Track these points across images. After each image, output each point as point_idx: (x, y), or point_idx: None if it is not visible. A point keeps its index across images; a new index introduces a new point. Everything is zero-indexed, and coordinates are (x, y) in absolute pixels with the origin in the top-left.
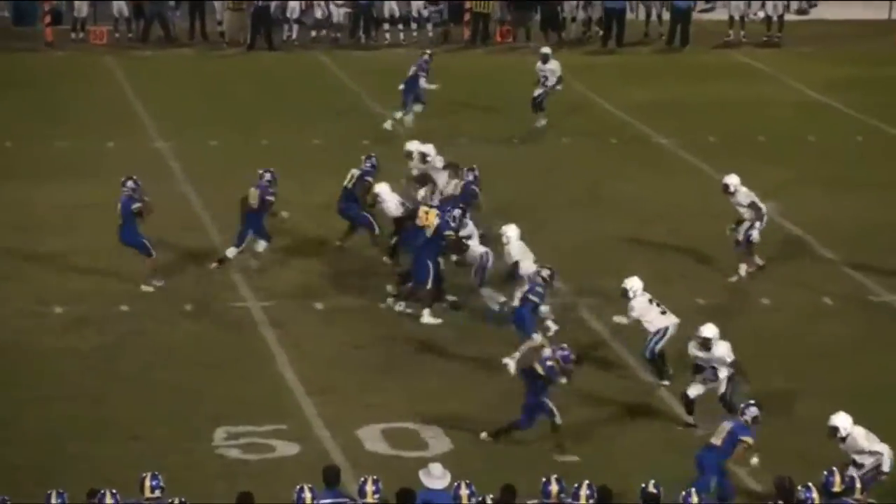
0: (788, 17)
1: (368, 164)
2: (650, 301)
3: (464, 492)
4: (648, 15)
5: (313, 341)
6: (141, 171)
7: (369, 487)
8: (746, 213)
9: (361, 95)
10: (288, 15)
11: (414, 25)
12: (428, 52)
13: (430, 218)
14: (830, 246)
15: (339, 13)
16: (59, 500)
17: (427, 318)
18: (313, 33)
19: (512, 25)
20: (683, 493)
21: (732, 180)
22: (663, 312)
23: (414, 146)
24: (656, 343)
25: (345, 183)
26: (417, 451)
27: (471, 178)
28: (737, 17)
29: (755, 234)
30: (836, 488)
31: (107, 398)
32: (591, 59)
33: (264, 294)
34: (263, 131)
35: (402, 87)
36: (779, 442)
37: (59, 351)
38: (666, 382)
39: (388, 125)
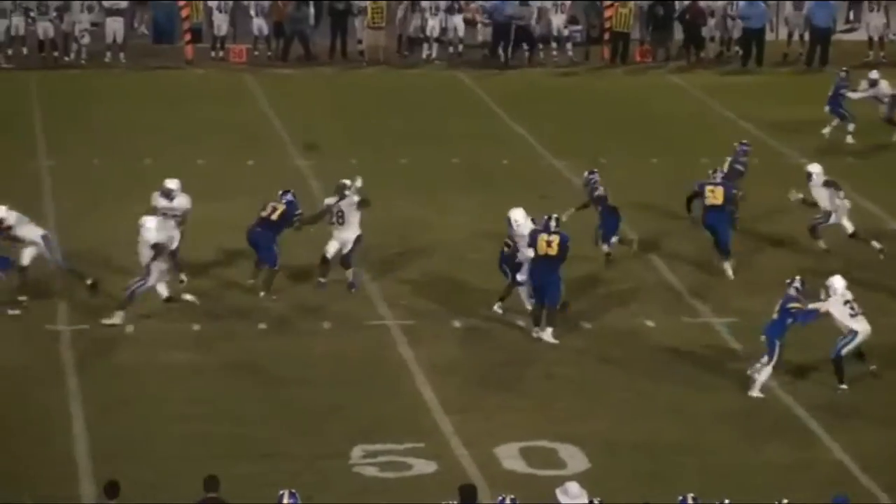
0: None
1: (288, 197)
2: (845, 303)
3: None
4: (790, 35)
5: (450, 359)
6: (278, 188)
7: (286, 499)
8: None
9: (500, 115)
10: (428, 33)
11: (554, 45)
12: (844, 69)
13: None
14: None
15: (482, 32)
16: None
17: (548, 336)
18: (451, 49)
19: (651, 45)
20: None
21: (815, 169)
22: (853, 315)
23: None
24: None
25: (264, 214)
26: (555, 469)
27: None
28: (875, 38)
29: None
30: None
31: (242, 416)
32: (731, 78)
33: (402, 312)
34: (402, 150)
35: (826, 108)
36: None
37: (194, 368)
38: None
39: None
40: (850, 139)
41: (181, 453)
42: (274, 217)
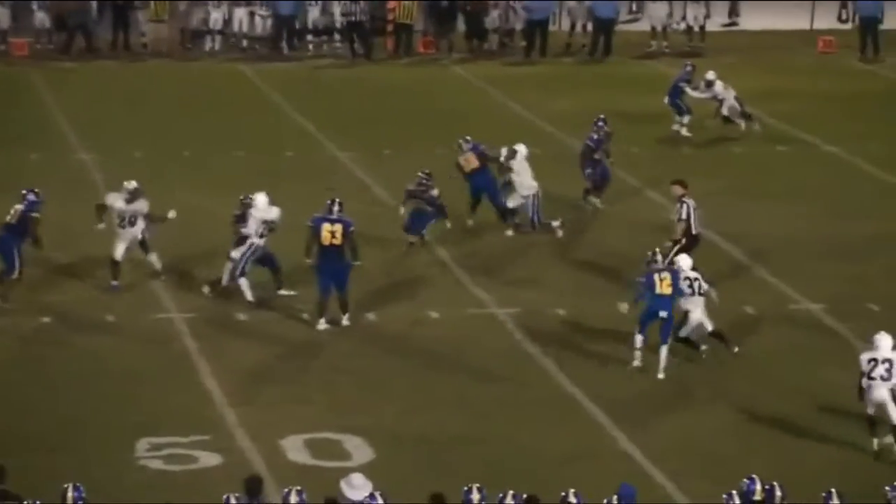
0: (710, 27)
1: (30, 198)
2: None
3: (378, 502)
4: (572, 26)
5: (234, 352)
6: (63, 183)
7: (293, 498)
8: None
9: (284, 108)
10: (211, 26)
11: (337, 36)
12: (689, 62)
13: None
14: (752, 256)
15: (262, 24)
16: None
17: (345, 321)
18: (232, 41)
19: (434, 36)
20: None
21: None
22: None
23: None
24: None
25: (8, 219)
26: (340, 460)
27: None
28: (658, 28)
29: None
30: (757, 497)
31: (29, 410)
32: (514, 69)
33: (187, 305)
34: (186, 143)
35: (665, 99)
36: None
37: None
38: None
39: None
40: (685, 131)
41: None
42: (13, 221)
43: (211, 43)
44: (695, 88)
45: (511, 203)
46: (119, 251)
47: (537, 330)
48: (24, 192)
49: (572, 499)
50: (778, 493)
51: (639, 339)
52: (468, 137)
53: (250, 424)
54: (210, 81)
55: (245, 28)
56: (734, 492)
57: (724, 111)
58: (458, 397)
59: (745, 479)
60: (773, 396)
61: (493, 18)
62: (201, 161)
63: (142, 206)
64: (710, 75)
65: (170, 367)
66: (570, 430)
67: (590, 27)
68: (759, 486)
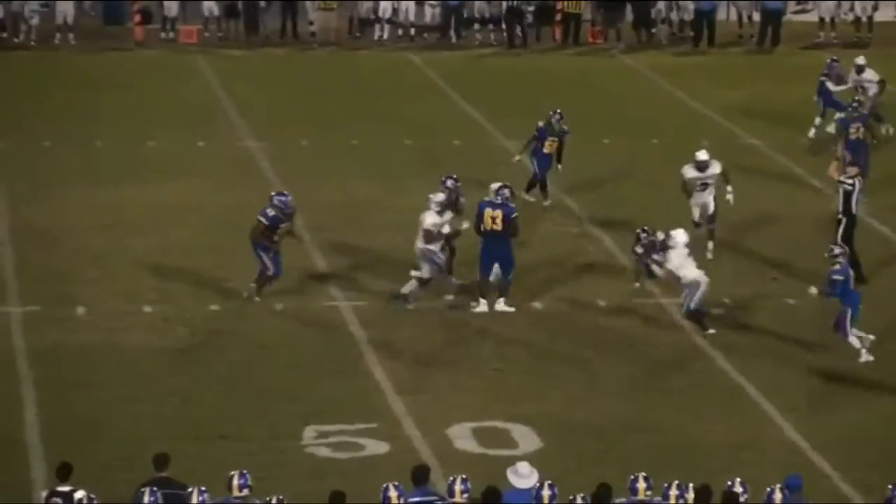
0: (881, 18)
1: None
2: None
3: (546, 492)
4: (740, 16)
5: (402, 340)
6: (231, 171)
7: (458, 486)
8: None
9: (451, 96)
10: (380, 14)
11: (505, 25)
12: (833, 57)
13: None
14: None
15: (431, 13)
16: (151, 499)
17: (501, 306)
18: (400, 32)
19: (602, 26)
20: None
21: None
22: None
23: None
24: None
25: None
26: (507, 449)
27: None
28: (827, 19)
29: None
30: None
31: (196, 398)
32: (682, 59)
33: (355, 294)
34: (353, 132)
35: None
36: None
37: (149, 350)
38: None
39: (811, 133)
40: (811, 133)
41: (134, 435)
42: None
43: (380, 32)
44: (838, 83)
45: None
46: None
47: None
48: (272, 194)
49: (738, 488)
50: None
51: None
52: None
53: (417, 413)
54: (378, 70)
55: (413, 17)
56: None
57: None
58: (625, 386)
59: None
60: None
61: (659, 9)
62: (369, 149)
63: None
64: (861, 60)
65: (337, 355)
66: (737, 419)
67: (757, 17)
68: None
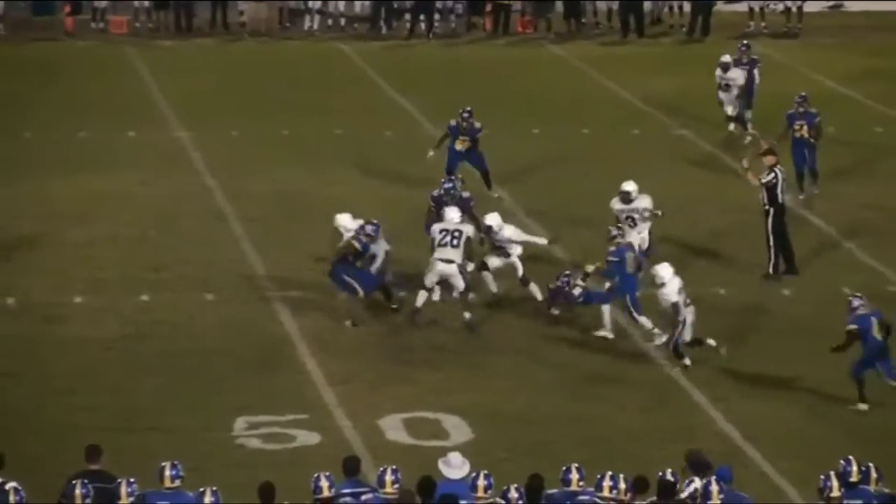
0: (811, 8)
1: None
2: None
3: (481, 482)
4: (670, 6)
5: (333, 331)
6: (161, 161)
7: (388, 477)
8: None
9: (381, 86)
10: (310, 5)
11: (437, 16)
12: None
13: None
14: (849, 237)
15: (360, 4)
16: (83, 491)
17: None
18: (330, 22)
19: (533, 16)
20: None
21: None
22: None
23: None
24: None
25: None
26: (438, 440)
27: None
28: (756, 9)
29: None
30: (854, 478)
31: (128, 388)
32: (612, 49)
33: (286, 285)
34: (284, 122)
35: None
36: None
37: (81, 341)
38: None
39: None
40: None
41: (67, 426)
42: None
43: (310, 22)
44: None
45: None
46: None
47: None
48: (362, 223)
49: (670, 477)
50: (874, 474)
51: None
52: None
53: (348, 404)
54: (308, 60)
55: (343, 7)
56: (832, 473)
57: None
58: (556, 378)
59: (841, 461)
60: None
61: None
62: (299, 140)
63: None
64: (727, 58)
65: (269, 346)
66: (668, 410)
67: (687, 7)
68: (855, 468)
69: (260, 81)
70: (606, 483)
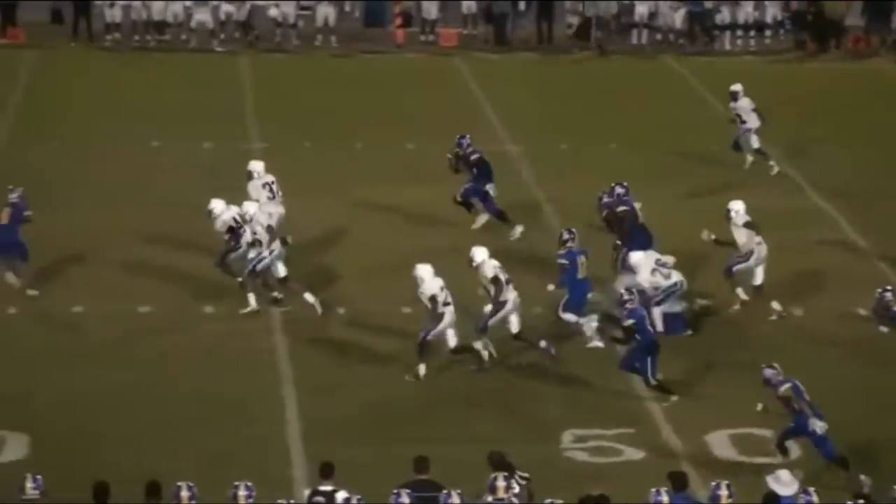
0: None
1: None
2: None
3: (815, 499)
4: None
5: (667, 346)
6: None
7: (723, 492)
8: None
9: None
10: (637, 19)
11: (768, 32)
12: None
13: None
14: None
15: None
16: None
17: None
18: (658, 36)
19: (867, 33)
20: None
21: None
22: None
23: None
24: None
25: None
26: (766, 456)
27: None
28: None
29: None
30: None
31: (460, 399)
32: None
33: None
34: (610, 137)
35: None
36: None
37: (406, 351)
38: None
39: None
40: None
41: (393, 435)
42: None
43: (637, 38)
44: None
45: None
46: None
47: None
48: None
49: None
50: None
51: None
52: None
53: (675, 419)
54: (634, 74)
55: (671, 20)
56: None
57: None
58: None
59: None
60: None
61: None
62: (634, 155)
63: None
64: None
65: (596, 360)
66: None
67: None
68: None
69: (587, 96)
70: None
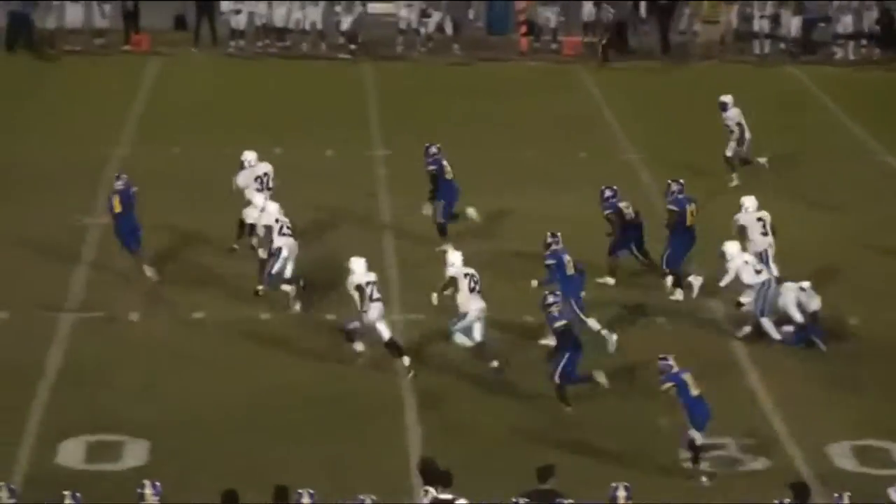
0: None
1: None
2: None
3: None
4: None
5: (786, 356)
6: (610, 182)
7: (846, 500)
8: None
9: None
10: (757, 29)
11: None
12: None
13: None
14: None
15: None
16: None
17: None
18: (782, 45)
19: None
20: None
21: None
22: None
23: None
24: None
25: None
26: (888, 468)
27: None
28: None
29: None
30: None
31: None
32: None
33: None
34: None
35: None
36: None
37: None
38: None
39: None
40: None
41: (508, 441)
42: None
43: (759, 47)
44: None
45: None
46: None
47: None
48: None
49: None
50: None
51: None
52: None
53: (796, 429)
54: (756, 83)
55: (794, 31)
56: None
57: None
58: None
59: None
60: None
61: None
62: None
63: None
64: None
65: (714, 367)
66: None
67: None
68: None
69: (704, 104)
70: None
